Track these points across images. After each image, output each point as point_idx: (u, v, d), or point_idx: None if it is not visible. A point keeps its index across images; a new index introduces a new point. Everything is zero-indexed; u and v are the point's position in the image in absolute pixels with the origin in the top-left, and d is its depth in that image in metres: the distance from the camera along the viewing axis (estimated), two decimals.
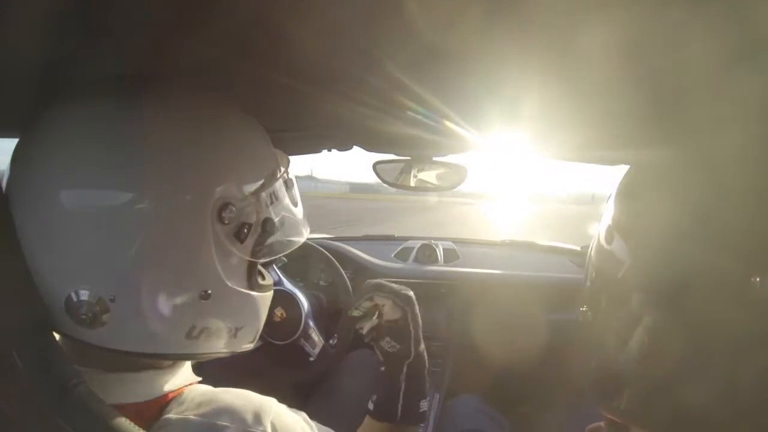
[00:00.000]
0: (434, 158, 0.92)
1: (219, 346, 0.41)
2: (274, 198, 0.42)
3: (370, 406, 0.66)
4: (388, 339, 0.60)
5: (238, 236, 0.39)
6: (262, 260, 0.43)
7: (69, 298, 0.34)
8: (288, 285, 1.12)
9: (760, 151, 0.34)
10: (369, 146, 0.89)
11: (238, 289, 0.41)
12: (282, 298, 1.09)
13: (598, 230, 0.47)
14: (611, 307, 0.44)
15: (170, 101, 0.38)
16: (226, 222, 0.37)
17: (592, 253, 0.47)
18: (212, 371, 0.48)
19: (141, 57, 0.42)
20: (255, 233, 0.41)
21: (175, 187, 0.35)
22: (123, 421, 0.33)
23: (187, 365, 0.44)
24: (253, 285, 0.43)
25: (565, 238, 1.67)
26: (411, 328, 0.60)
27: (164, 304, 0.36)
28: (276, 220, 0.42)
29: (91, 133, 0.35)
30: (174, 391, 0.40)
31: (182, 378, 0.42)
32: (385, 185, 0.96)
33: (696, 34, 0.31)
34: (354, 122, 0.74)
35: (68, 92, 0.37)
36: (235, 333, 0.42)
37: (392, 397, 0.61)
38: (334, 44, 0.42)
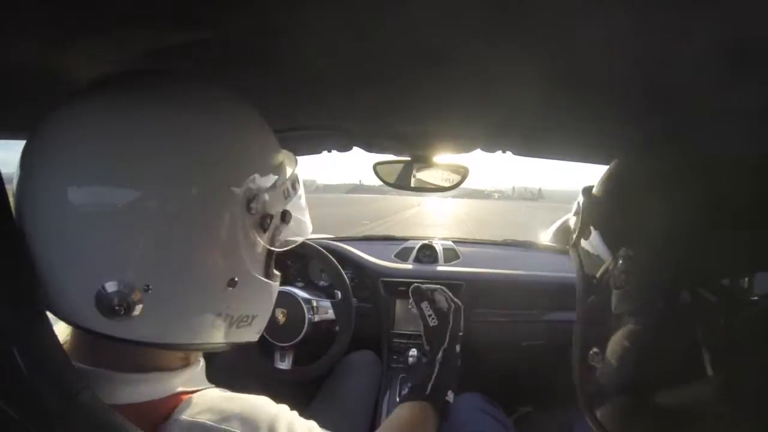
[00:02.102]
0: (434, 158, 0.92)
1: (224, 336, 0.41)
2: (289, 191, 0.44)
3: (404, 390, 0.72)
4: (431, 313, 0.81)
5: (262, 226, 0.41)
6: (279, 250, 0.45)
7: (100, 291, 0.34)
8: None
9: (748, 152, 0.33)
10: (369, 147, 0.89)
11: (259, 277, 0.42)
12: (282, 299, 1.07)
13: (578, 228, 0.44)
14: (591, 309, 0.41)
15: (186, 94, 0.39)
16: (253, 212, 0.39)
17: (578, 252, 0.44)
18: (214, 371, 0.48)
19: (143, 54, 0.42)
20: (274, 224, 0.42)
21: (211, 178, 0.36)
22: (128, 428, 0.32)
23: (201, 368, 0.43)
24: (270, 274, 0.45)
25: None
26: (451, 319, 0.79)
27: (196, 292, 0.37)
28: (292, 212, 0.44)
29: (120, 125, 0.35)
30: (185, 393, 0.39)
31: (194, 381, 0.41)
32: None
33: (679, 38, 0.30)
34: (354, 123, 0.74)
35: (81, 89, 0.37)
36: (250, 321, 0.43)
37: (425, 377, 0.70)
38: (336, 48, 0.42)
